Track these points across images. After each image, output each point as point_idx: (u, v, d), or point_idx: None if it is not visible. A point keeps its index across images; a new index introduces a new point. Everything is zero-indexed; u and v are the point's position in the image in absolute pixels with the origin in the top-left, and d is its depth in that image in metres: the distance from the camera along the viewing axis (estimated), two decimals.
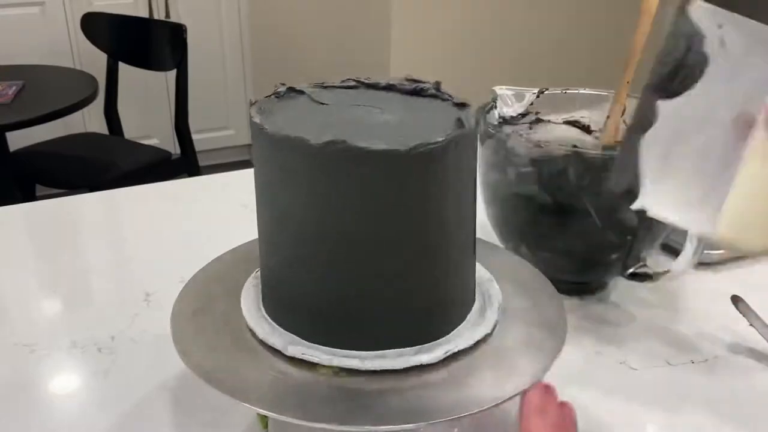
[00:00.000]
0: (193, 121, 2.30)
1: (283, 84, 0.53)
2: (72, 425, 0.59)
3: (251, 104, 0.50)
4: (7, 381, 0.64)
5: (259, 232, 0.52)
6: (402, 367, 0.48)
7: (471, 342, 0.50)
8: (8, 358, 0.67)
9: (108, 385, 0.63)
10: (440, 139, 0.46)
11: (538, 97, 0.79)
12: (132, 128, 2.53)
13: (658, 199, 0.56)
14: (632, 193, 0.57)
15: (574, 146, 0.68)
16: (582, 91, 0.79)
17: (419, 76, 0.54)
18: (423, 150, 0.45)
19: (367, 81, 0.55)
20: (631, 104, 0.74)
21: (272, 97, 0.52)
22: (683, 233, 0.64)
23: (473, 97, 0.56)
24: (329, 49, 2.52)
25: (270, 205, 0.49)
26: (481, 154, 0.72)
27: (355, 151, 0.44)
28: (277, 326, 0.51)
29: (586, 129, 0.79)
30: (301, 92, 0.53)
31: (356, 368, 0.47)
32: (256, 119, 0.48)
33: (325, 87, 0.55)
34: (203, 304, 0.55)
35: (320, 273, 0.48)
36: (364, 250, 0.47)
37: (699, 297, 0.77)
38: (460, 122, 0.47)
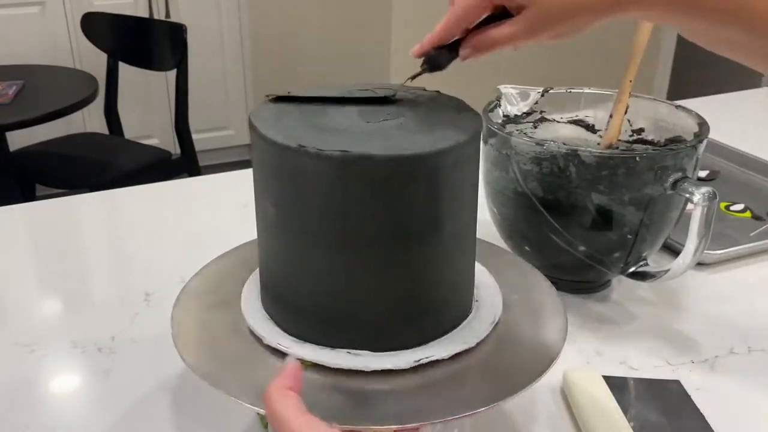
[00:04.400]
0: (193, 121, 2.30)
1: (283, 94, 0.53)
2: (72, 425, 0.59)
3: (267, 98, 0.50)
4: (7, 381, 0.64)
5: (258, 233, 0.52)
6: (403, 367, 0.48)
7: (471, 342, 0.50)
8: (8, 358, 0.67)
9: (108, 385, 0.63)
10: (447, 146, 0.46)
11: (542, 96, 0.79)
12: (132, 128, 2.53)
13: None
14: None
15: (576, 145, 0.68)
16: (587, 90, 0.79)
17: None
18: (428, 156, 0.45)
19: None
20: (634, 103, 0.74)
21: (270, 101, 0.52)
22: (684, 233, 0.64)
23: (476, 97, 0.56)
24: (329, 49, 2.52)
25: (270, 206, 0.49)
26: (484, 152, 0.72)
27: (360, 158, 0.44)
28: (276, 325, 0.51)
29: (590, 128, 0.79)
30: (300, 97, 0.53)
31: (356, 368, 0.47)
32: (257, 124, 0.48)
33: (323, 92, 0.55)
34: (203, 304, 0.55)
35: (320, 273, 0.48)
36: (367, 252, 0.47)
37: (699, 297, 0.77)
38: (469, 124, 0.47)
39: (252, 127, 0.48)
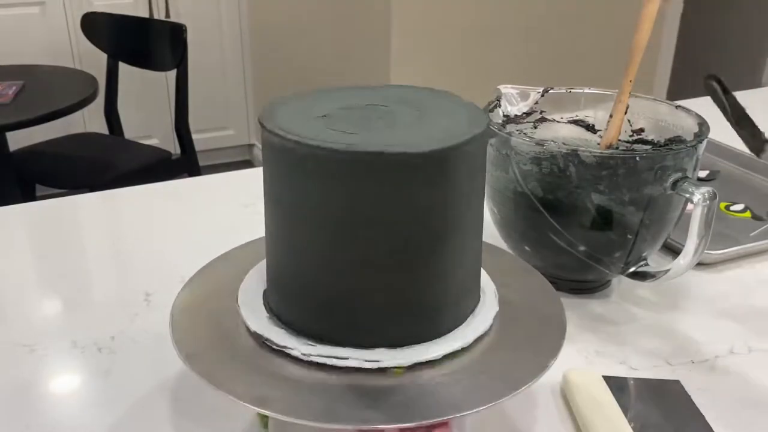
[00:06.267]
0: (193, 121, 2.30)
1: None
2: (72, 425, 0.59)
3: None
4: (7, 381, 0.64)
5: (266, 231, 0.52)
6: (403, 366, 0.48)
7: (470, 341, 0.50)
8: (8, 358, 0.67)
9: (108, 385, 0.63)
10: (461, 141, 0.46)
11: (542, 96, 0.79)
12: (132, 128, 2.53)
13: None
14: None
15: (576, 145, 0.68)
16: (587, 90, 0.79)
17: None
18: (442, 151, 0.45)
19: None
20: (634, 103, 0.74)
21: (279, 98, 0.53)
22: (684, 233, 0.64)
23: (477, 97, 0.57)
24: (329, 49, 2.52)
25: (282, 204, 0.49)
26: None
27: (366, 154, 0.44)
28: (277, 325, 0.51)
29: (590, 128, 0.79)
30: (309, 94, 0.53)
31: (356, 367, 0.47)
32: (264, 119, 0.48)
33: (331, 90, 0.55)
34: (203, 304, 0.55)
35: (331, 270, 0.48)
36: (375, 248, 0.47)
37: (699, 297, 0.77)
38: (477, 122, 0.47)
39: (261, 122, 0.49)
